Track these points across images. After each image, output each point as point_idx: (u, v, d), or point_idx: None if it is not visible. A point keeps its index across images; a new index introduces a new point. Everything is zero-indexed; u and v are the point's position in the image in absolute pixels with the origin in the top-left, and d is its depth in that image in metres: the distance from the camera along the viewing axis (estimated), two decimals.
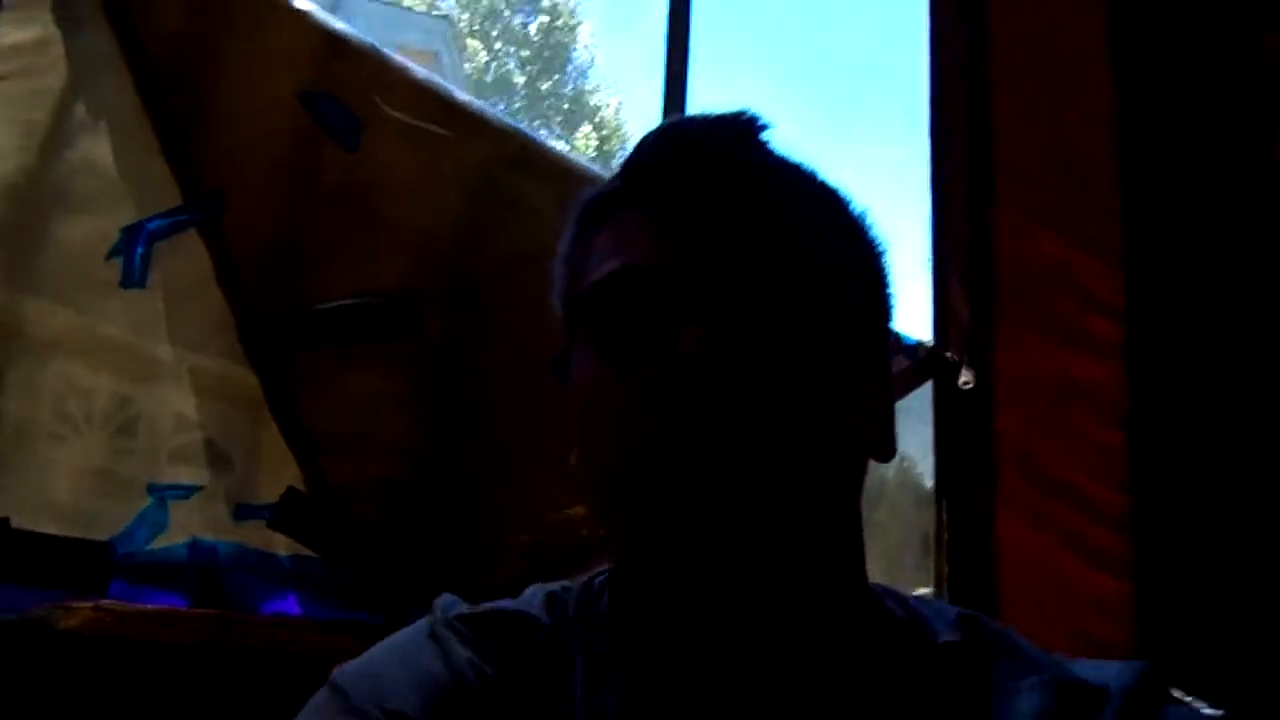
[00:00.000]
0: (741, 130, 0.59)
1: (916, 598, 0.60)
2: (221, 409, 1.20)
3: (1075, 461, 1.16)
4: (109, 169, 1.23)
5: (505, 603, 0.60)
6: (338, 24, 1.26)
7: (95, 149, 1.23)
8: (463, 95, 1.26)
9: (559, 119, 13.41)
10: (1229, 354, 1.13)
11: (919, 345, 1.21)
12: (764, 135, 0.59)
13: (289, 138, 1.21)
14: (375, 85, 1.23)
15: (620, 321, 0.55)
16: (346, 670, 0.58)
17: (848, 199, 0.62)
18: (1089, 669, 0.55)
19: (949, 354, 1.19)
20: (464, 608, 0.60)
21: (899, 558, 1.31)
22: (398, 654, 0.58)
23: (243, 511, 1.13)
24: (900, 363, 1.21)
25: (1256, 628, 1.09)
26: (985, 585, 1.17)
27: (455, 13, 12.72)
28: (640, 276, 0.55)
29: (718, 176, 0.56)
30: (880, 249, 0.62)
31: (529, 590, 0.62)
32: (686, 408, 0.50)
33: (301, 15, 1.25)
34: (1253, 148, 1.14)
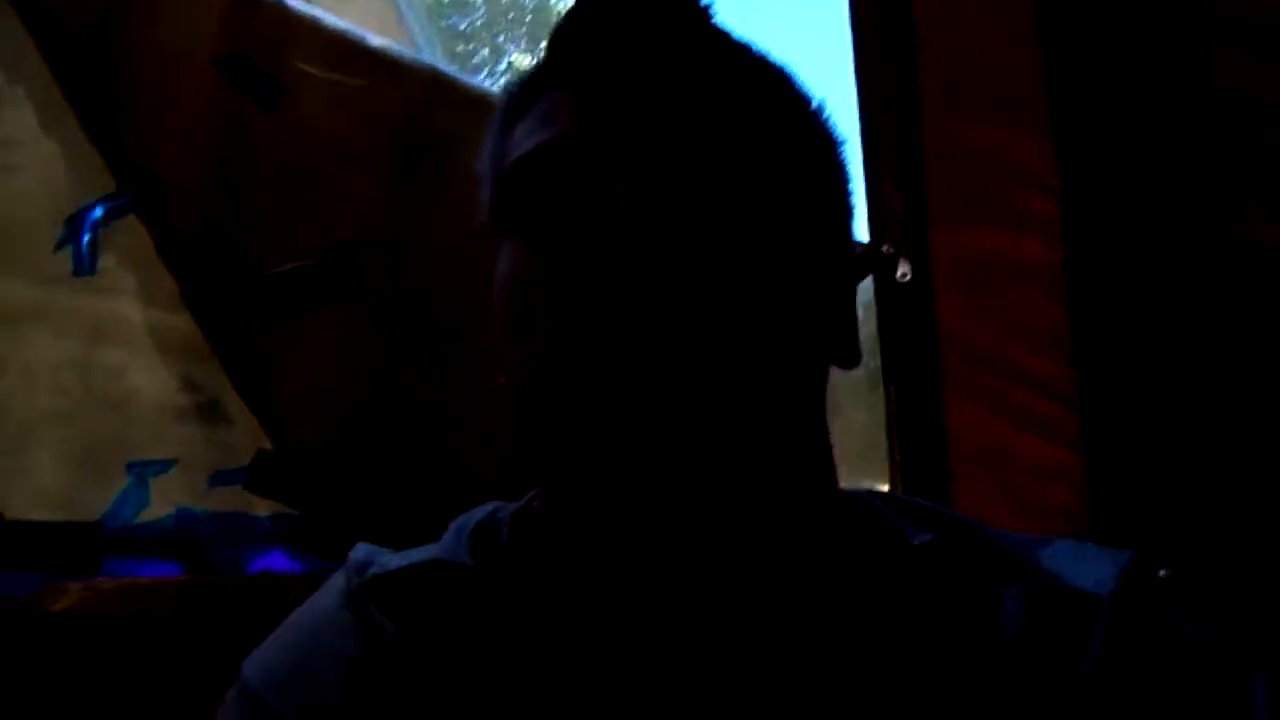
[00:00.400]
0: None
1: (884, 495, 0.57)
2: (203, 368, 1.26)
3: (1019, 339, 1.18)
4: (38, 149, 1.26)
5: (426, 551, 0.55)
6: None
7: (22, 132, 1.26)
8: (375, 39, 1.26)
9: (523, 31, 12.96)
10: (1166, 222, 1.14)
11: (854, 242, 1.23)
12: (703, 2, 0.53)
13: (211, 105, 1.23)
14: (289, 41, 1.24)
15: (539, 203, 0.48)
16: (256, 662, 0.54)
17: (799, 81, 0.55)
18: (1068, 560, 0.52)
19: (885, 247, 1.21)
20: (380, 561, 0.54)
21: None
22: (313, 636, 0.53)
23: (219, 478, 1.20)
24: None
25: (1204, 487, 1.13)
26: (938, 467, 1.21)
27: None
28: (559, 150, 0.48)
29: (650, 45, 0.50)
30: (836, 138, 0.56)
31: (456, 523, 0.57)
32: (611, 282, 0.43)
33: None
34: (1176, 13, 1.12)
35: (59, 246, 1.22)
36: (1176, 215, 1.15)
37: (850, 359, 0.54)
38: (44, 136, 1.23)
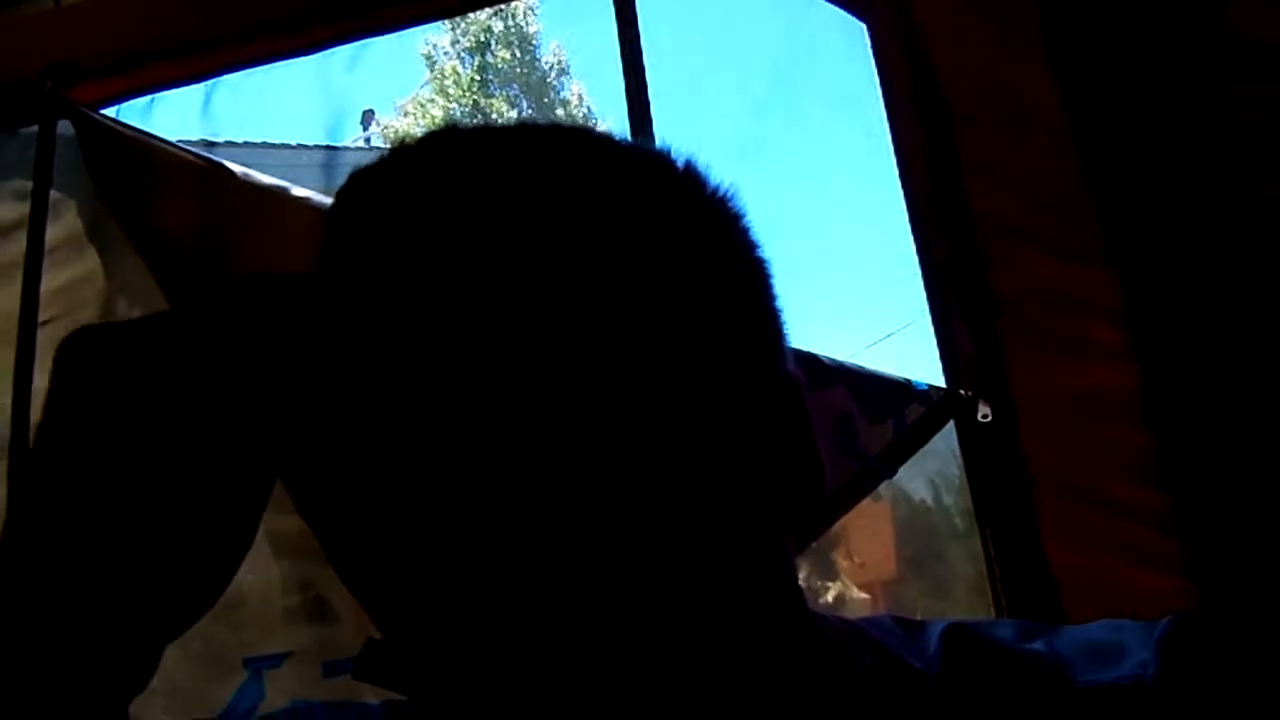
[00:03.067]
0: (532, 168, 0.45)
1: (896, 627, 0.54)
2: (311, 566, 1.40)
3: (1108, 470, 1.26)
4: None
5: None
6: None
7: None
8: None
9: None
10: (1237, 333, 1.23)
11: (930, 389, 1.34)
12: (489, 141, 0.47)
13: None
14: None
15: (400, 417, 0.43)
16: None
17: (660, 171, 0.48)
18: (1103, 646, 0.49)
19: (963, 391, 1.32)
20: None
21: None
22: None
23: (330, 668, 1.32)
24: (916, 410, 1.34)
25: None
26: (1049, 607, 1.27)
27: None
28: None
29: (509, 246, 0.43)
30: (722, 216, 0.48)
31: None
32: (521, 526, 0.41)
33: (301, 202, 1.46)
34: (1215, 117, 1.25)
35: None
36: (1237, 327, 1.25)
37: (811, 496, 0.49)
38: None
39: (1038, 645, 0.50)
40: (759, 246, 0.49)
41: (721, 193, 0.48)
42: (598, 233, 0.43)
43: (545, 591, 0.41)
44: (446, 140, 0.48)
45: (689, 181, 0.48)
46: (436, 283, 0.42)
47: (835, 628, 0.52)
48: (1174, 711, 0.45)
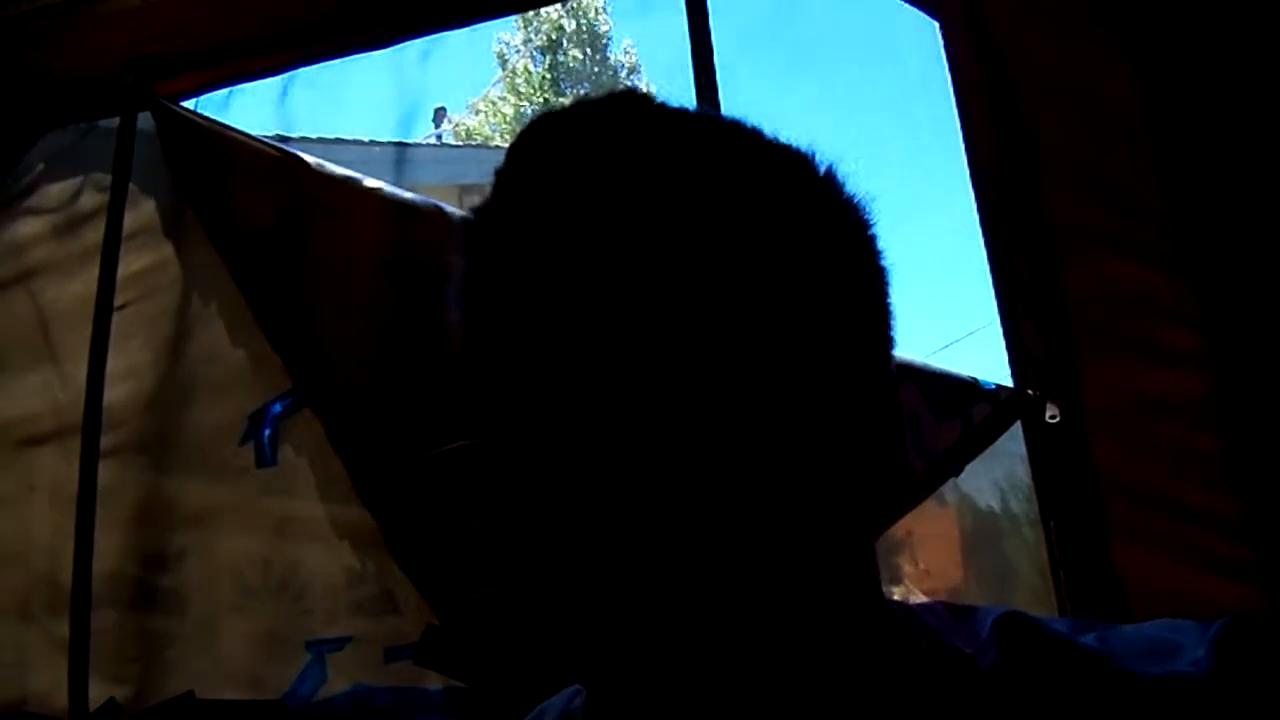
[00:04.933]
0: (631, 123, 0.49)
1: (950, 613, 0.56)
2: (374, 556, 1.44)
3: (1177, 474, 1.24)
4: (228, 355, 1.51)
5: None
6: (405, 194, 1.51)
7: (214, 341, 1.52)
8: None
9: None
10: None
11: (999, 388, 1.34)
12: (655, 117, 0.50)
13: (379, 305, 1.45)
14: (446, 242, 1.46)
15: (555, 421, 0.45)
16: None
17: (804, 171, 0.51)
18: (1158, 642, 0.50)
19: (1031, 391, 1.31)
20: None
21: None
22: None
23: (391, 654, 1.35)
24: (983, 409, 1.34)
25: None
26: (1116, 616, 1.26)
27: None
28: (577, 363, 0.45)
29: (620, 212, 0.46)
30: (856, 222, 0.52)
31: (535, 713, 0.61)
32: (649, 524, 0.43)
33: (373, 192, 1.51)
34: None
35: (243, 441, 1.45)
36: None
37: (896, 491, 0.52)
38: (233, 346, 1.48)
39: (1090, 639, 0.52)
40: (884, 254, 0.53)
41: (857, 200, 0.52)
42: (745, 226, 0.47)
43: (650, 575, 0.43)
44: (621, 111, 0.51)
45: (830, 186, 0.52)
46: (583, 258, 0.45)
47: (895, 611, 0.55)
48: (1223, 707, 0.46)
